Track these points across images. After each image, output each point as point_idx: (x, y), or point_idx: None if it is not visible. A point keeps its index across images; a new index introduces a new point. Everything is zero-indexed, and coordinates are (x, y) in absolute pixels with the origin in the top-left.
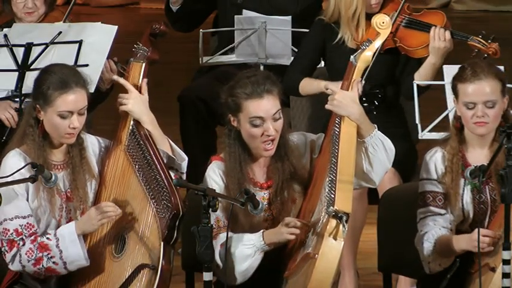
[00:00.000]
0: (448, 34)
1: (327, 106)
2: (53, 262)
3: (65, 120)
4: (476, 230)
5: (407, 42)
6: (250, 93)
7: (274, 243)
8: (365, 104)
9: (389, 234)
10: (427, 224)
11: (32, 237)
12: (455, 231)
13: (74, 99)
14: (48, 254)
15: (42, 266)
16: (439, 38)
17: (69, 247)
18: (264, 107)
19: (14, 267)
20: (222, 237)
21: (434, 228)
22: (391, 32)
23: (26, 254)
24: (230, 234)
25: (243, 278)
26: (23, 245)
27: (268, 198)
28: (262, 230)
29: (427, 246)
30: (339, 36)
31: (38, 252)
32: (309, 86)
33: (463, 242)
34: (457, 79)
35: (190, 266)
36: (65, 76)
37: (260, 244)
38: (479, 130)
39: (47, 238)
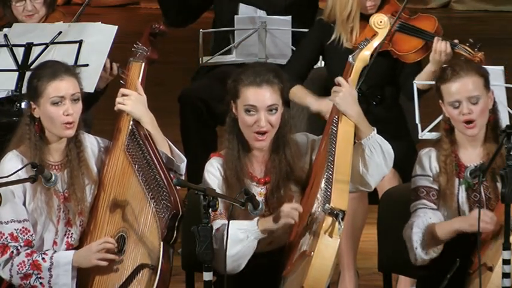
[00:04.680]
0: (449, 47)
1: (331, 98)
2: (40, 283)
3: (59, 108)
4: (476, 210)
5: (398, 47)
6: (250, 81)
7: (268, 229)
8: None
9: (389, 234)
10: (417, 215)
11: (28, 251)
12: None
13: (63, 85)
14: (38, 274)
15: (29, 282)
16: (440, 53)
17: (60, 275)
18: (260, 96)
19: (4, 273)
20: (218, 222)
21: (424, 217)
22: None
23: (17, 265)
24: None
25: (233, 264)
26: (17, 254)
27: (264, 193)
28: (257, 217)
29: (416, 231)
30: (333, 37)
31: (29, 268)
32: (297, 95)
33: (456, 222)
34: (439, 81)
35: (190, 266)
36: (53, 68)
37: (254, 229)
38: (469, 132)
39: (42, 259)
